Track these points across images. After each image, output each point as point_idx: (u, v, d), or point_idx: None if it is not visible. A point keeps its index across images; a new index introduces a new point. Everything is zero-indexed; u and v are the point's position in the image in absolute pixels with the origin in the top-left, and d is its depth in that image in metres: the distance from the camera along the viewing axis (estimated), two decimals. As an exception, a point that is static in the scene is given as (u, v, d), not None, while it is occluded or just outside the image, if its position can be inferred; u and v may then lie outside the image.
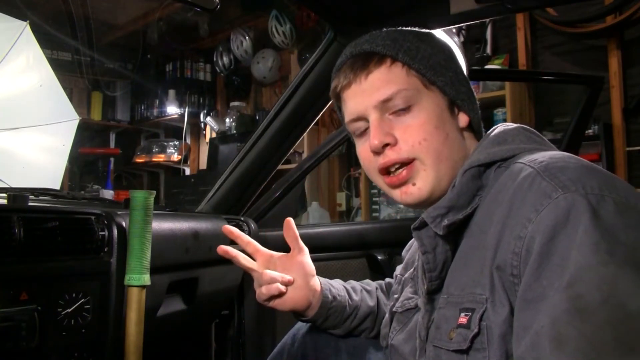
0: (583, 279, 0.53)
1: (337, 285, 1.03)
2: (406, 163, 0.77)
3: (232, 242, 1.30)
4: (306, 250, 0.99)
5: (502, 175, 0.70)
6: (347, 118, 0.83)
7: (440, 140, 0.76)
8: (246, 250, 1.00)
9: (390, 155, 0.77)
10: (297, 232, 0.98)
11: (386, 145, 0.77)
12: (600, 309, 0.51)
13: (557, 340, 0.52)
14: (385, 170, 0.78)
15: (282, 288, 0.94)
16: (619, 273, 0.52)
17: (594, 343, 0.50)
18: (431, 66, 0.78)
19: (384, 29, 0.84)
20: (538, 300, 0.56)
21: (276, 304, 0.96)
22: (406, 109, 0.77)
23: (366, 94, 0.78)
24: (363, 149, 0.81)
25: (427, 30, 0.86)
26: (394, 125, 0.77)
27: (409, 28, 0.85)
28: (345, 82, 0.80)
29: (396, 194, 0.80)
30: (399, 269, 1.03)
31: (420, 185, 0.77)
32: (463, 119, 0.81)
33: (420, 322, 0.78)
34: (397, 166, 0.77)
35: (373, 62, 0.78)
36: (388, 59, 0.78)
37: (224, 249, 0.97)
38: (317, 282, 0.99)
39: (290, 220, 0.99)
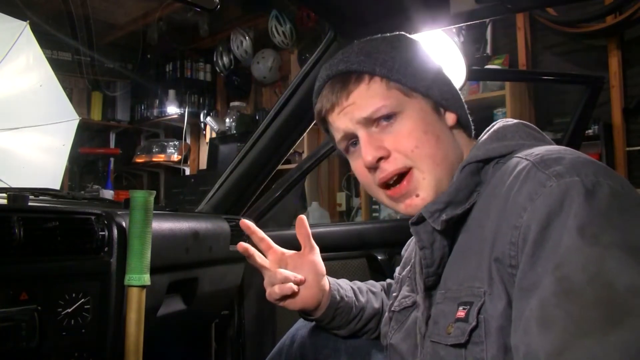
0: (570, 260, 0.53)
1: (345, 286, 1.03)
2: (404, 173, 0.76)
3: (235, 237, 1.31)
4: (317, 249, 0.98)
5: (499, 171, 0.70)
6: (336, 138, 0.83)
7: (432, 143, 0.76)
8: (259, 247, 0.99)
9: (387, 169, 0.76)
10: (309, 230, 0.97)
11: (380, 159, 0.76)
12: (586, 289, 0.51)
13: (544, 321, 0.52)
14: (385, 184, 0.78)
15: (295, 288, 0.93)
16: (605, 253, 0.52)
17: (580, 323, 0.50)
18: (410, 73, 0.78)
19: (355, 42, 0.84)
20: (533, 288, 0.56)
21: (287, 303, 0.95)
22: (391, 121, 0.76)
23: (350, 114, 0.78)
24: (358, 165, 0.81)
25: (398, 33, 0.86)
26: (382, 137, 0.77)
27: (380, 35, 0.84)
28: (328, 105, 0.81)
29: (400, 207, 0.79)
30: (398, 269, 1.03)
31: (423, 196, 0.76)
32: (451, 118, 0.81)
33: (419, 318, 0.78)
34: (395, 178, 0.77)
35: (352, 81, 0.78)
36: (366, 75, 0.78)
37: (244, 245, 0.96)
38: (326, 281, 0.99)
39: (303, 218, 0.97)
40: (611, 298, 0.50)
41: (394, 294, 0.94)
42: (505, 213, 0.63)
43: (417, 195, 0.76)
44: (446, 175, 0.77)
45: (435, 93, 0.79)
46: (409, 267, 0.93)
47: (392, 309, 0.91)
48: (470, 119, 0.85)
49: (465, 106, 0.84)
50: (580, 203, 0.56)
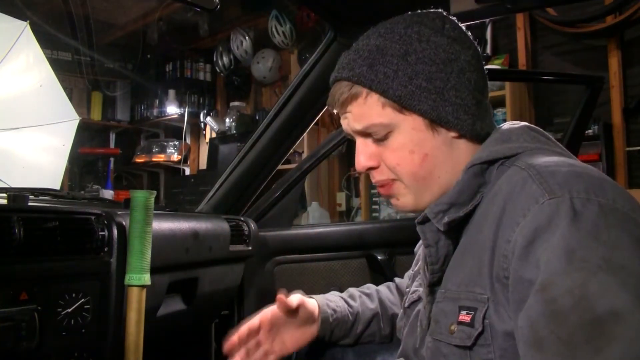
0: (556, 282, 0.55)
1: (334, 298, 1.06)
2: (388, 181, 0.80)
3: (235, 237, 1.31)
4: (299, 299, 0.99)
5: (503, 174, 0.71)
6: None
7: (416, 162, 0.76)
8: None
9: (375, 176, 0.81)
10: (289, 302, 0.97)
11: (370, 167, 0.80)
12: (572, 313, 0.53)
13: (536, 342, 0.55)
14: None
15: None
16: (589, 277, 0.54)
17: (568, 345, 0.53)
18: (410, 92, 0.74)
19: (366, 40, 0.80)
20: (520, 301, 0.59)
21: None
22: (384, 137, 0.77)
23: (348, 120, 0.80)
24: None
25: (416, 35, 0.77)
26: (376, 147, 0.79)
27: (395, 33, 0.77)
28: (331, 105, 0.83)
29: (391, 202, 0.84)
30: (412, 265, 1.06)
31: (403, 201, 0.81)
32: (450, 134, 0.77)
33: (422, 312, 0.81)
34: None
35: (350, 92, 0.77)
36: (364, 90, 0.76)
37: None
38: (315, 309, 1.01)
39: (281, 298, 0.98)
40: (595, 324, 0.52)
41: (407, 289, 0.96)
42: (501, 224, 0.65)
43: (398, 199, 0.81)
44: (428, 188, 0.78)
45: (434, 114, 0.75)
46: (420, 262, 0.95)
47: (403, 304, 0.94)
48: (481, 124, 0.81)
49: (477, 115, 0.78)
50: (566, 224, 0.57)
